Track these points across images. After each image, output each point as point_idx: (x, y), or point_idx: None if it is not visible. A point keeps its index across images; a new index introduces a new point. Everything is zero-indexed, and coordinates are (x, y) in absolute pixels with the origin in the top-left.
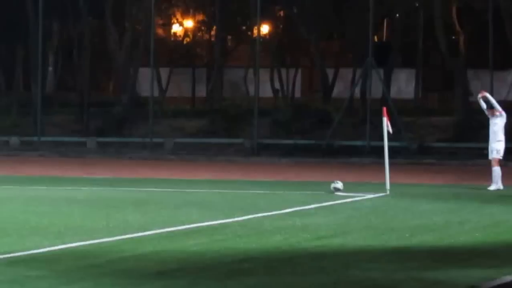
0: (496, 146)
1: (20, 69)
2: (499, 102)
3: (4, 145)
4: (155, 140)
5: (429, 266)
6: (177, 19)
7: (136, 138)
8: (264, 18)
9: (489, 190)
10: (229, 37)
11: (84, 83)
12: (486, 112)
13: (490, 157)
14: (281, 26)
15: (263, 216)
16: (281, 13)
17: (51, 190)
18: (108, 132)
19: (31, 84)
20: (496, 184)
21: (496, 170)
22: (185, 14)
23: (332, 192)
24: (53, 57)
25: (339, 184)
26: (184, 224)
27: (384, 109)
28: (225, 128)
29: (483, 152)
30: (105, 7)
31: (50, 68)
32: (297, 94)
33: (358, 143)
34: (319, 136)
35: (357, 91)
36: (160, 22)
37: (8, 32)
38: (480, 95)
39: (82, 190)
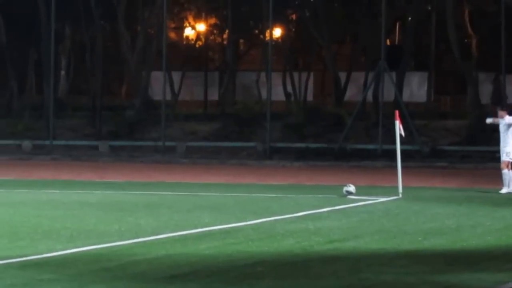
0: (507, 149)
1: (33, 73)
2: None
3: (17, 149)
4: (167, 143)
5: (442, 270)
6: (189, 23)
7: (148, 142)
8: (277, 21)
9: (501, 193)
10: (242, 40)
11: (96, 86)
12: (495, 121)
13: (502, 159)
14: (294, 29)
15: (276, 220)
16: (294, 16)
17: (63, 194)
18: (120, 136)
19: (43, 87)
20: (508, 187)
21: (506, 173)
22: (198, 17)
23: (345, 196)
24: (66, 61)
25: (352, 188)
26: (196, 228)
27: (397, 112)
28: (237, 132)
29: (495, 155)
30: (117, 10)
31: (63, 72)
32: (310, 97)
33: (371, 146)
34: (332, 139)
35: (370, 95)
36: (173, 25)
37: (21, 36)
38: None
39: (95, 193)
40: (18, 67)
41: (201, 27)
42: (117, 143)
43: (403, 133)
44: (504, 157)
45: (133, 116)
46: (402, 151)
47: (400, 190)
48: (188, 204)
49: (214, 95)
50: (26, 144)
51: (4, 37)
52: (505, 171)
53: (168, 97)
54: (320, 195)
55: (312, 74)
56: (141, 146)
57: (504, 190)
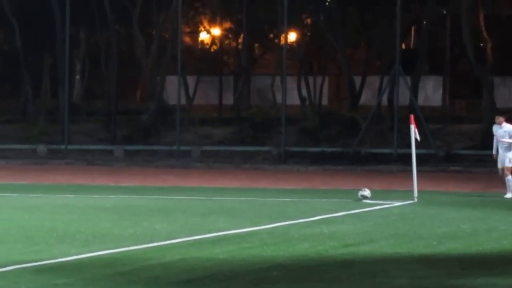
0: (509, 155)
1: (48, 78)
2: None
3: (32, 153)
4: (182, 148)
5: (457, 274)
6: (204, 27)
7: (163, 146)
8: (291, 25)
9: (506, 198)
10: (256, 45)
11: (111, 91)
12: (497, 133)
13: (505, 165)
14: (308, 33)
15: (291, 224)
16: (308, 21)
17: (78, 198)
18: (135, 140)
19: (58, 92)
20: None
21: (510, 180)
22: (212, 22)
23: (360, 200)
24: (81, 65)
25: (367, 192)
26: (211, 232)
27: (412, 116)
28: (252, 136)
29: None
30: (132, 15)
31: (78, 76)
32: (324, 101)
33: (386, 150)
34: (346, 143)
35: (385, 99)
36: (187, 30)
37: (36, 41)
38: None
39: (110, 198)
40: (33, 72)
41: (216, 31)
42: (132, 148)
43: (418, 137)
44: (507, 163)
45: (148, 120)
46: (417, 155)
47: (416, 194)
48: (203, 208)
49: (229, 99)
50: (41, 148)
51: (19, 41)
52: (509, 177)
53: (183, 101)
54: (335, 199)
55: (327, 78)
56: (156, 150)
57: (508, 195)
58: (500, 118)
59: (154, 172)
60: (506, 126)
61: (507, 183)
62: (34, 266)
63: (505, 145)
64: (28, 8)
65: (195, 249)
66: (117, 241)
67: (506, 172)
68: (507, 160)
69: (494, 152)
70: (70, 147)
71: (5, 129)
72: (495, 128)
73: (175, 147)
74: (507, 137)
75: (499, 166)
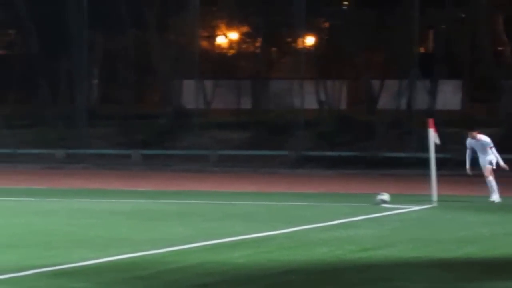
0: (489, 157)
1: (65, 82)
2: None
3: (50, 158)
4: (200, 152)
5: (475, 278)
6: (221, 31)
7: (180, 151)
8: (309, 29)
9: (495, 202)
10: (274, 48)
11: (128, 95)
12: (476, 147)
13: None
14: (326, 37)
15: (308, 228)
16: (326, 24)
17: (96, 203)
18: (152, 145)
19: (75, 96)
20: (497, 193)
21: (492, 181)
22: (230, 26)
23: (378, 204)
24: (98, 70)
25: (386, 196)
26: (229, 236)
27: (431, 120)
28: (269, 140)
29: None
30: (149, 19)
31: (95, 81)
32: (343, 105)
33: (404, 154)
34: (364, 148)
35: (403, 103)
36: (204, 34)
37: (53, 45)
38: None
39: (127, 202)
40: (50, 76)
41: (233, 35)
42: (149, 152)
43: (438, 141)
44: (488, 164)
45: (165, 124)
46: (435, 159)
47: (434, 198)
48: (220, 212)
49: (246, 104)
50: (59, 153)
51: (36, 46)
52: (490, 178)
53: (200, 105)
54: (352, 204)
55: (344, 82)
56: (173, 154)
57: (495, 198)
58: (473, 133)
59: (171, 176)
60: (482, 139)
61: (488, 184)
62: (52, 271)
63: (483, 150)
64: (44, 12)
65: (212, 253)
66: (135, 246)
67: (487, 173)
68: (487, 162)
69: (468, 166)
70: (87, 151)
71: (23, 133)
72: (470, 142)
73: (192, 152)
74: (488, 147)
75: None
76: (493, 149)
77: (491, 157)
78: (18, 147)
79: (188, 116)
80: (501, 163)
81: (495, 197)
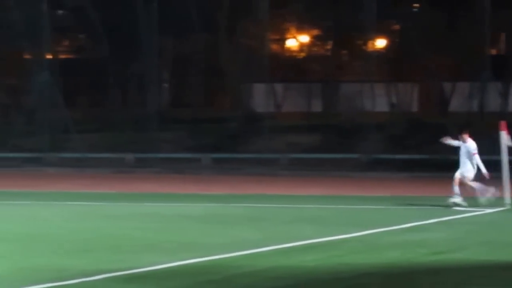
0: (463, 170)
1: (135, 86)
2: None
3: (120, 162)
4: (270, 156)
5: None
6: (291, 34)
7: (251, 154)
8: (379, 32)
9: (455, 202)
10: (344, 51)
11: (198, 99)
12: (450, 143)
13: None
14: (397, 40)
15: (380, 232)
16: (396, 27)
17: (166, 207)
18: (222, 148)
19: (146, 100)
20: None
21: (457, 189)
22: (300, 29)
23: (451, 207)
24: (168, 74)
25: (458, 199)
26: (300, 240)
27: (503, 123)
28: (340, 143)
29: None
30: (219, 23)
31: (165, 85)
32: (414, 108)
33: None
34: (436, 150)
35: (475, 105)
36: (274, 37)
37: (123, 49)
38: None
39: (198, 206)
40: (120, 80)
41: (304, 38)
42: (219, 156)
43: (510, 144)
44: (458, 175)
45: (236, 128)
46: (508, 162)
47: (507, 201)
48: (291, 216)
49: (317, 107)
50: (129, 157)
51: (107, 50)
52: (456, 187)
53: (271, 108)
54: (424, 207)
55: (415, 84)
56: (244, 158)
57: (456, 199)
58: (464, 136)
59: (242, 180)
60: (469, 143)
61: (474, 186)
62: (123, 275)
63: (461, 162)
64: (115, 17)
65: (284, 257)
66: (206, 249)
67: (456, 182)
68: (458, 173)
69: (484, 171)
70: (157, 155)
71: (93, 138)
72: (459, 143)
73: (263, 155)
74: (472, 152)
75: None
76: (477, 156)
77: (469, 167)
78: (88, 151)
79: (258, 119)
80: (483, 170)
81: (457, 199)
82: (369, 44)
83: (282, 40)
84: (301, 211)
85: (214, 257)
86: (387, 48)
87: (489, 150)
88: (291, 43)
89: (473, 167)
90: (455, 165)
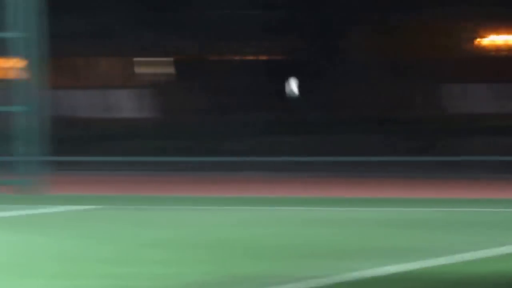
0: None
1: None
2: None
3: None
4: (473, 158)
5: None
6: (486, 33)
7: (452, 157)
8: None
9: None
10: None
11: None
12: None
13: None
14: None
15: None
16: None
17: (362, 212)
18: (419, 150)
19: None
20: None
21: None
22: (495, 27)
23: None
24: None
25: None
26: None
27: None
28: None
29: None
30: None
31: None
32: None
33: None
34: None
35: None
36: (468, 35)
37: (325, 47)
38: None
39: (398, 211)
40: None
41: (499, 38)
42: (417, 159)
43: None
44: None
45: (433, 129)
46: None
47: None
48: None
49: None
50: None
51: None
52: None
53: (470, 110)
54: None
55: None
56: (446, 161)
57: None
58: None
59: (455, 183)
60: None
61: None
62: (318, 283)
63: None
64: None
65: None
66: (413, 255)
67: None
68: None
69: None
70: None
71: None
72: None
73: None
74: None
75: None
76: None
77: None
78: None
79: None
80: None
81: None
82: None
83: (475, 39)
84: None
85: (421, 264)
86: None
87: None
88: (487, 42)
89: None
90: None
